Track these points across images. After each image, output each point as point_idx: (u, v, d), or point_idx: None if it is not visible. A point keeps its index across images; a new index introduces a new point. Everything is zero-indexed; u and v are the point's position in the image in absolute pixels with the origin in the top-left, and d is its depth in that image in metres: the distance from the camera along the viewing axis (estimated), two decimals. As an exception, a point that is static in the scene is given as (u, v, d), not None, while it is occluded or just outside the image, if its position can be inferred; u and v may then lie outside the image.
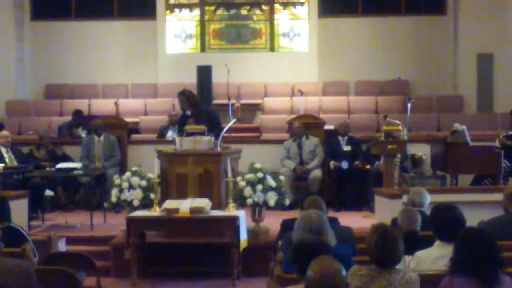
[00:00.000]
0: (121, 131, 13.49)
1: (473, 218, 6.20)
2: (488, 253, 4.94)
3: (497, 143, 11.96)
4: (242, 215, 9.40)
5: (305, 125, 13.08)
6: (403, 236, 5.25)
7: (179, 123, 10.96)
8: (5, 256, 5.22)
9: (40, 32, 18.22)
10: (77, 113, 14.98)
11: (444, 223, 5.83)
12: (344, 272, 3.82)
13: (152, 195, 9.82)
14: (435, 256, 5.75)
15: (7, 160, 11.90)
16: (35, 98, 18.01)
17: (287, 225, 7.17)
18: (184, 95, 10.98)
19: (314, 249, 4.69)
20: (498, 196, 8.14)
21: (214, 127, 10.48)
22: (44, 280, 5.64)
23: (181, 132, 10.54)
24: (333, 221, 6.71)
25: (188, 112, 10.70)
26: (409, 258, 5.79)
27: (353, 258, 5.78)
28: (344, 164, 12.66)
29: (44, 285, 5.38)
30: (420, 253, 5.83)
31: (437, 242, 5.87)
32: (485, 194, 9.88)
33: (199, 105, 11.19)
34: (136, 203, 9.91)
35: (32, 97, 18.07)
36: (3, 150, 12.01)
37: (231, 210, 9.47)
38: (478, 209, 8.68)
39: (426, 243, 6.03)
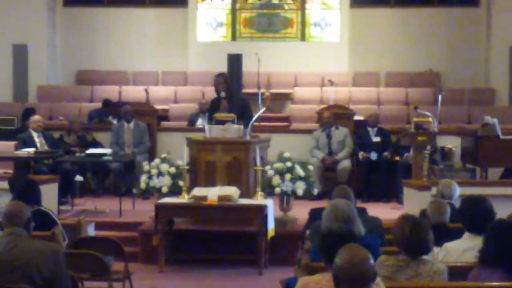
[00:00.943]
0: (151, 118, 13.55)
1: (502, 212, 6.15)
2: (518, 246, 4.93)
3: None
4: (270, 204, 9.41)
5: (335, 115, 13.06)
6: (432, 228, 5.24)
7: (211, 107, 10.93)
8: (35, 238, 5.28)
9: (72, 18, 18.32)
10: (106, 103, 15.08)
11: (474, 215, 5.83)
12: (372, 261, 3.82)
13: (180, 182, 9.85)
14: (464, 248, 5.75)
15: (38, 144, 11.99)
16: (66, 84, 18.13)
17: (315, 214, 7.17)
18: (223, 77, 10.99)
19: (342, 237, 4.70)
20: (527, 190, 8.13)
21: (245, 115, 10.47)
22: (73, 263, 5.70)
23: (211, 119, 10.53)
24: (362, 211, 6.70)
25: (223, 94, 10.66)
26: (437, 250, 5.78)
27: (381, 248, 5.77)
28: (373, 155, 12.63)
29: (73, 269, 5.43)
30: (449, 245, 5.82)
31: (466, 234, 5.86)
32: (515, 188, 9.83)
33: (235, 91, 11.21)
34: (164, 189, 9.96)
35: (63, 83, 18.19)
36: (35, 135, 12.10)
37: (259, 199, 9.47)
38: (507, 202, 8.63)
39: (455, 235, 6.02)
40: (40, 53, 17.65)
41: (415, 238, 4.99)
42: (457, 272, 5.28)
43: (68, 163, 12.02)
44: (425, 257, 5.11)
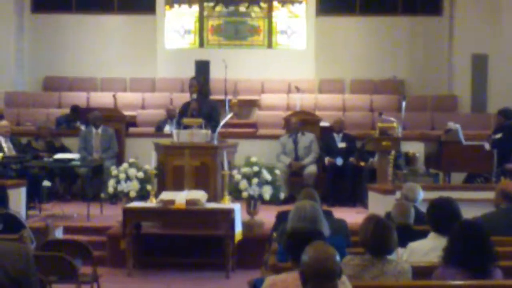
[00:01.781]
0: (119, 124, 13.58)
1: (465, 215, 6.29)
2: (482, 246, 5.04)
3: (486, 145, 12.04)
4: (237, 208, 9.49)
5: (301, 121, 13.20)
6: (396, 229, 5.35)
7: (183, 109, 11.01)
8: (3, 241, 5.31)
9: (40, 24, 18.29)
10: (75, 109, 15.08)
11: (442, 216, 5.95)
12: (338, 257, 3.91)
13: (148, 187, 9.91)
14: (428, 248, 5.85)
15: (5, 149, 11.97)
16: (34, 90, 18.08)
17: (282, 216, 7.27)
18: (197, 80, 11.10)
19: (308, 236, 4.75)
20: (490, 195, 8.25)
21: (212, 120, 10.57)
22: (41, 266, 5.74)
23: (180, 123, 10.60)
24: (328, 214, 6.81)
25: (194, 96, 10.76)
26: (402, 251, 5.89)
27: (347, 249, 5.87)
28: (339, 161, 12.78)
29: (41, 271, 5.46)
30: (413, 245, 5.93)
31: (432, 234, 5.97)
32: (477, 192, 9.99)
33: (207, 95, 11.32)
34: (132, 194, 10.01)
35: (31, 89, 18.14)
36: (2, 140, 12.08)
37: (227, 203, 9.57)
38: (470, 206, 8.77)
39: (419, 236, 6.14)
40: (8, 59, 17.59)
41: (378, 237, 5.10)
42: (421, 272, 5.37)
43: (36, 168, 12.03)
44: (390, 257, 5.23)
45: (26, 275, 4.80)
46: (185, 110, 10.85)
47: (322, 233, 5.30)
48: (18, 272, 4.76)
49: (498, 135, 11.89)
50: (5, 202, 7.36)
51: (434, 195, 7.21)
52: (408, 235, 6.16)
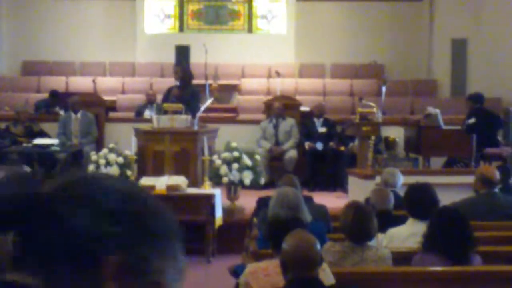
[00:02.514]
0: (98, 109, 13.53)
1: (444, 200, 6.34)
2: (461, 232, 5.08)
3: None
4: (218, 193, 9.50)
5: (282, 106, 13.20)
6: (376, 215, 5.38)
7: (165, 95, 11.00)
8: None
9: (19, 8, 18.11)
10: (54, 94, 14.99)
11: (419, 201, 5.99)
12: (318, 246, 3.93)
13: (128, 172, 9.90)
14: (408, 234, 5.89)
15: (-16, 135, 11.92)
16: (12, 74, 17.96)
17: (262, 203, 7.29)
18: (180, 67, 11.09)
19: (289, 224, 4.79)
20: (469, 179, 8.31)
21: (193, 105, 10.56)
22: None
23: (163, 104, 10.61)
24: (308, 200, 6.84)
25: (177, 83, 10.76)
26: (381, 236, 5.92)
27: (327, 235, 5.90)
28: (319, 145, 12.81)
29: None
30: (392, 230, 5.97)
31: (410, 220, 6.01)
32: (456, 177, 10.06)
33: (190, 82, 11.29)
34: (113, 179, 9.97)
35: (9, 73, 18.01)
36: (-20, 125, 12.03)
37: (207, 188, 9.57)
38: (449, 191, 8.83)
39: (399, 222, 6.17)
40: (-14, 43, 17.47)
41: (358, 224, 5.13)
42: (401, 257, 5.42)
43: (15, 154, 11.97)
44: (370, 243, 5.26)
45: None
46: (167, 96, 10.84)
47: (303, 221, 5.33)
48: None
49: (472, 120, 11.94)
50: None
51: (413, 179, 7.25)
52: (387, 220, 6.19)
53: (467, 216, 5.34)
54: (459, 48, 17.05)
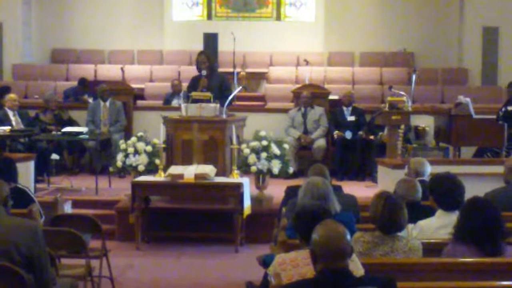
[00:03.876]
0: (126, 97, 13.54)
1: (475, 190, 6.24)
2: (493, 223, 5.01)
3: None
4: (246, 182, 9.47)
5: (311, 94, 13.13)
6: (406, 205, 5.32)
7: (191, 85, 10.95)
8: (13, 216, 5.29)
9: (47, -4, 18.23)
10: (82, 81, 15.05)
11: (446, 193, 5.90)
12: (348, 236, 3.88)
13: (157, 161, 9.90)
14: (437, 226, 5.82)
15: (13, 123, 11.96)
16: (41, 62, 18.04)
17: (291, 192, 7.25)
18: (206, 55, 11.00)
19: (316, 215, 4.75)
20: (500, 169, 8.20)
21: (224, 93, 10.50)
22: (50, 240, 5.72)
23: (189, 94, 10.54)
24: (337, 189, 6.79)
25: (204, 72, 10.70)
26: (411, 227, 5.86)
27: (356, 225, 5.85)
28: (348, 134, 12.73)
29: (50, 246, 5.45)
30: (422, 222, 5.90)
31: (439, 212, 5.94)
32: (487, 166, 9.93)
33: (216, 69, 11.23)
34: (141, 168, 9.99)
35: (39, 61, 18.10)
36: (10, 113, 12.07)
37: (235, 177, 9.54)
38: (480, 181, 8.76)
39: (427, 213, 6.10)
40: (15, 31, 17.51)
41: (389, 215, 5.07)
42: (431, 249, 5.36)
43: (44, 142, 12.03)
44: (400, 234, 5.20)
45: (36, 250, 4.82)
46: (194, 85, 10.77)
47: (331, 211, 5.28)
48: (29, 248, 4.78)
49: (510, 107, 11.79)
50: (14, 176, 7.32)
51: (443, 169, 7.18)
52: (417, 211, 6.11)
53: (498, 207, 5.26)
54: (490, 36, 16.87)
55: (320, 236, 3.86)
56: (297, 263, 4.50)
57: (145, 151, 10.06)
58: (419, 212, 6.13)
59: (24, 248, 4.81)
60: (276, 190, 9.95)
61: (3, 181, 5.42)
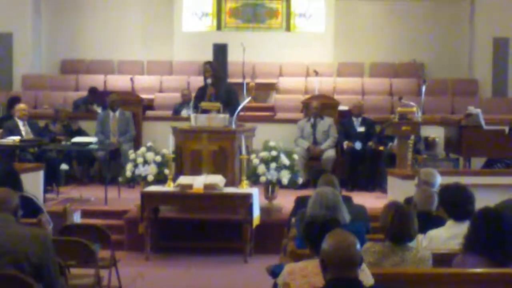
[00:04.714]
0: (136, 107, 13.56)
1: (485, 201, 6.21)
2: (503, 234, 4.98)
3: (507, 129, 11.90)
4: (255, 192, 9.47)
5: (320, 105, 13.12)
6: (417, 215, 5.30)
7: (197, 96, 10.97)
8: (22, 225, 5.29)
9: (57, 7, 18.23)
10: (93, 90, 15.09)
11: (457, 203, 5.89)
12: (358, 246, 3.87)
13: (166, 171, 9.90)
14: (447, 236, 5.80)
15: (23, 133, 11.99)
16: (51, 73, 18.08)
17: (301, 202, 7.24)
18: (210, 65, 11.04)
19: (326, 225, 4.74)
20: (510, 180, 8.20)
21: (231, 103, 10.52)
22: (59, 250, 5.70)
23: (196, 107, 10.56)
24: (347, 199, 6.77)
25: (209, 80, 10.73)
26: (421, 237, 5.83)
27: (366, 236, 5.83)
28: (358, 145, 12.71)
29: (59, 255, 5.44)
30: (432, 233, 5.88)
31: (449, 222, 5.92)
32: (497, 177, 9.92)
33: (222, 78, 11.24)
34: (150, 178, 10.00)
35: (48, 72, 18.13)
36: (20, 123, 12.10)
37: (245, 187, 9.54)
38: (490, 192, 8.71)
39: (439, 223, 6.08)
40: (25, 41, 17.54)
41: (399, 225, 5.05)
42: (441, 259, 5.33)
43: (54, 152, 12.06)
44: (410, 244, 5.18)
45: (46, 260, 4.82)
46: (201, 95, 10.79)
47: (341, 221, 5.26)
48: (39, 257, 4.78)
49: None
50: (19, 185, 7.27)
51: (453, 180, 7.14)
52: (428, 221, 6.09)
53: (509, 217, 5.22)
54: (501, 47, 16.83)
55: (330, 245, 3.85)
56: (306, 272, 4.48)
57: (154, 161, 10.07)
58: (431, 222, 6.11)
59: (34, 257, 4.82)
60: (285, 201, 9.94)
61: (12, 190, 5.41)
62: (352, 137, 12.87)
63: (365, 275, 4.44)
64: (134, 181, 10.63)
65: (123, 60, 18.06)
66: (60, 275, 5.18)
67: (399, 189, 9.68)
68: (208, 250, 9.60)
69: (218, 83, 10.77)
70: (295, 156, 10.34)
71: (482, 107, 12.44)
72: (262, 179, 9.88)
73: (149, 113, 15.09)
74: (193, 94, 13.10)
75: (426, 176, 7.67)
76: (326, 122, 12.96)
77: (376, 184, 12.58)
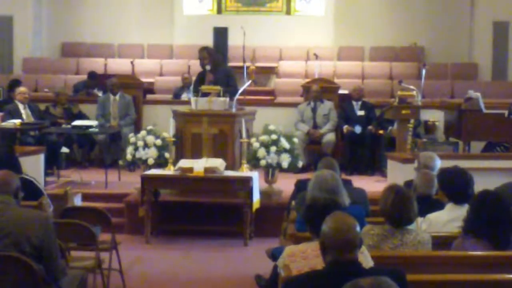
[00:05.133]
0: (136, 91, 13.56)
1: (484, 185, 6.22)
2: (503, 217, 5.00)
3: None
4: (256, 176, 9.47)
5: (321, 89, 13.12)
6: (417, 199, 5.32)
7: (196, 81, 10.98)
8: (23, 207, 5.32)
9: (58, -10, 18.24)
10: (92, 75, 15.08)
11: (456, 186, 5.91)
12: (358, 228, 3.88)
13: (166, 154, 9.91)
14: (447, 219, 5.82)
15: (24, 116, 11.99)
16: (51, 56, 18.07)
17: (301, 185, 7.24)
18: (207, 51, 11.01)
19: (327, 208, 4.75)
20: (510, 163, 8.21)
21: (230, 87, 10.53)
22: (60, 232, 5.73)
23: (197, 91, 10.58)
24: (347, 183, 6.78)
25: (207, 67, 10.72)
26: (420, 220, 5.86)
27: (366, 219, 5.85)
28: (358, 129, 12.71)
29: (60, 238, 5.47)
30: (431, 216, 5.90)
31: (449, 205, 5.94)
32: (497, 161, 9.92)
33: (220, 63, 11.23)
34: (150, 161, 10.01)
35: (49, 55, 18.12)
36: (20, 106, 12.10)
37: (245, 171, 9.56)
38: (489, 175, 8.73)
39: (438, 206, 6.10)
40: (26, 25, 17.55)
41: (398, 207, 5.06)
42: (440, 242, 5.35)
43: (54, 135, 12.07)
44: (410, 227, 5.20)
45: (46, 241, 4.85)
46: (201, 81, 10.78)
47: (341, 204, 5.27)
48: (39, 239, 4.81)
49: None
50: (18, 168, 7.25)
51: (453, 163, 7.15)
52: (428, 205, 6.11)
53: (508, 201, 5.24)
54: (500, 31, 16.81)
55: (329, 228, 3.86)
56: (306, 255, 4.50)
57: (154, 144, 10.07)
58: (430, 206, 6.13)
59: (35, 239, 4.84)
60: (285, 184, 9.95)
61: (13, 173, 5.43)
62: (352, 121, 12.88)
63: (365, 257, 4.47)
64: (135, 164, 10.66)
65: (123, 44, 18.04)
66: (61, 257, 5.20)
67: (398, 172, 9.69)
68: (208, 234, 9.63)
69: (216, 69, 10.77)
70: (295, 140, 10.34)
71: (482, 91, 12.44)
72: (262, 162, 9.89)
73: (150, 96, 15.10)
74: (194, 78, 13.11)
75: (426, 159, 7.68)
76: (326, 106, 12.96)
77: (375, 168, 12.61)
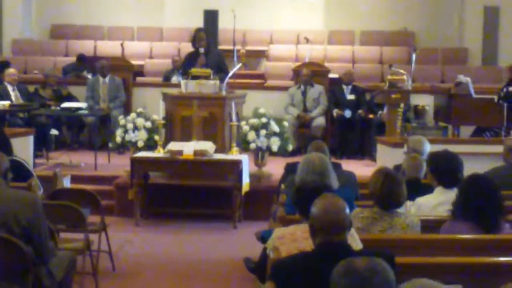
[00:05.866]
0: (126, 73, 13.53)
1: (473, 169, 6.24)
2: (491, 200, 5.02)
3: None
4: (245, 159, 9.48)
5: (311, 72, 13.11)
6: (406, 182, 5.32)
7: (187, 61, 10.92)
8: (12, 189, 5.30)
9: (47, -28, 18.14)
10: (81, 58, 15.03)
11: (445, 170, 5.91)
12: (347, 210, 3.89)
13: (156, 137, 9.91)
14: (436, 203, 5.83)
15: (13, 98, 11.96)
16: (41, 38, 17.99)
17: (291, 168, 7.24)
18: (204, 32, 10.98)
19: (316, 190, 4.74)
20: (499, 148, 8.20)
21: (221, 70, 10.51)
22: (49, 214, 5.71)
23: (187, 72, 10.52)
24: (336, 166, 6.78)
25: (202, 50, 10.69)
26: (410, 204, 5.87)
27: (355, 202, 5.85)
28: (348, 113, 12.72)
29: (49, 219, 5.46)
30: (421, 200, 5.91)
31: (438, 189, 5.94)
32: (486, 146, 9.96)
33: (212, 46, 11.20)
34: (140, 144, 10.01)
35: (38, 37, 18.04)
36: (9, 88, 12.06)
37: (234, 154, 9.55)
38: (478, 160, 8.76)
39: (427, 190, 6.11)
40: (15, 6, 17.43)
41: (387, 190, 5.07)
42: (429, 226, 5.37)
43: (43, 117, 12.04)
44: (399, 210, 5.21)
45: (35, 222, 4.84)
46: (191, 62, 10.74)
47: (330, 186, 5.28)
48: (28, 220, 4.79)
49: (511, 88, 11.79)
50: (9, 149, 7.24)
51: (442, 148, 7.17)
52: (416, 188, 6.13)
53: (497, 184, 5.26)
54: (491, 16, 16.81)
55: (318, 209, 3.86)
56: (296, 237, 4.50)
57: (144, 127, 10.07)
58: (419, 189, 6.14)
59: (24, 220, 4.83)
60: (275, 168, 9.96)
61: (3, 154, 5.40)
62: (342, 105, 12.88)
63: (354, 239, 4.47)
64: (124, 147, 10.64)
65: (113, 26, 17.96)
66: (50, 238, 5.19)
67: (388, 156, 9.71)
68: (198, 216, 9.63)
69: (210, 53, 10.74)
70: (285, 123, 10.36)
71: (471, 76, 12.47)
72: (252, 146, 9.90)
73: (139, 79, 15.05)
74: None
75: (415, 143, 7.70)
76: (316, 90, 12.95)
77: (365, 152, 12.63)
